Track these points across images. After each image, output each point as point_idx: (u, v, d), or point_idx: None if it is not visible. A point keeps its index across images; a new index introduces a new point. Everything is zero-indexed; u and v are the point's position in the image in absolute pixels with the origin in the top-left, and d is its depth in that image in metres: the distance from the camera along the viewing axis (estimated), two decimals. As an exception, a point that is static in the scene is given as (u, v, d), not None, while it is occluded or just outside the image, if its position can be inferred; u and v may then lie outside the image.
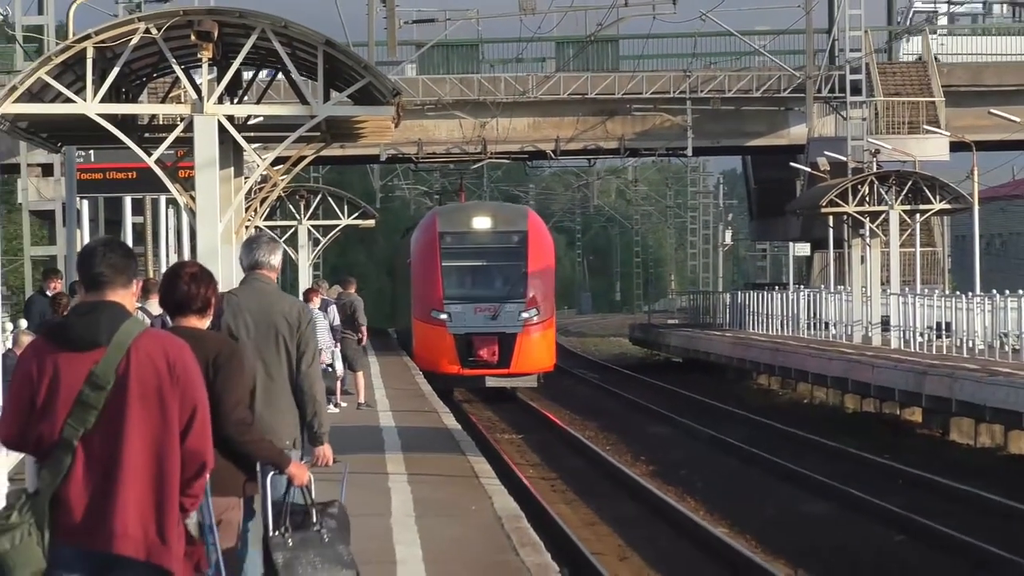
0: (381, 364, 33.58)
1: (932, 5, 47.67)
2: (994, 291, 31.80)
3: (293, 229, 34.02)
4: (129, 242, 25.39)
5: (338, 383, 21.85)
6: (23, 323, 17.84)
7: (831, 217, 37.36)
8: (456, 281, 33.29)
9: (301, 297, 21.76)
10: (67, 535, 4.86)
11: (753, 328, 44.50)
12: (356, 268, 67.30)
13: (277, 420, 7.65)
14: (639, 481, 20.69)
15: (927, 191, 35.27)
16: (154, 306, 13.18)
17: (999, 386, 23.35)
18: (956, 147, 42.19)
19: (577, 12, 44.21)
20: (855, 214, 35.49)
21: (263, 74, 17.67)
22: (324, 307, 21.06)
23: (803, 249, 52.12)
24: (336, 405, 21.55)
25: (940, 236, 45.73)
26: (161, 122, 17.63)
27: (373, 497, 13.35)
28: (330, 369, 20.44)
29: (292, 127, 15.66)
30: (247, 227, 15.70)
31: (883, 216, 35.37)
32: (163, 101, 17.76)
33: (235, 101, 15.64)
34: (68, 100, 14.73)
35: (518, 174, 72.88)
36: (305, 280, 31.27)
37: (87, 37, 14.53)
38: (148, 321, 12.76)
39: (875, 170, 38.64)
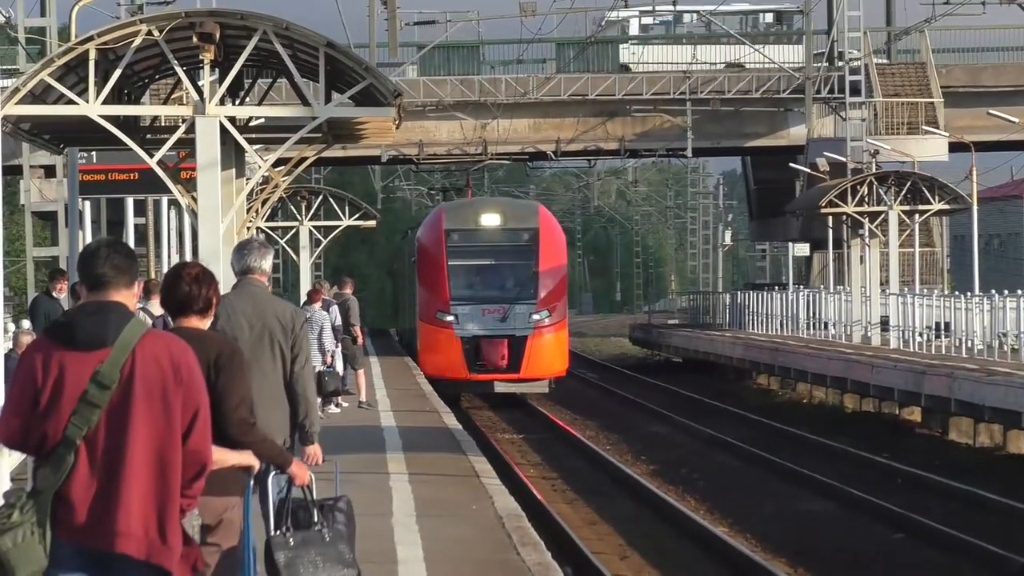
0: (382, 364, 33.57)
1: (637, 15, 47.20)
2: (993, 291, 31.84)
3: (294, 230, 34.03)
4: (131, 243, 25.46)
5: (339, 382, 21.87)
6: (25, 323, 17.90)
7: (830, 217, 37.41)
8: (463, 281, 31.70)
9: (305, 298, 21.84)
10: (69, 533, 4.87)
11: (753, 328, 44.54)
12: (357, 269, 67.38)
13: (271, 420, 7.76)
14: (639, 480, 20.70)
15: (926, 191, 35.32)
16: (156, 307, 13.24)
17: (998, 386, 23.37)
18: (955, 147, 42.23)
19: (577, 13, 44.27)
20: (854, 214, 35.54)
21: (264, 76, 17.75)
22: (326, 307, 21.11)
23: (802, 249, 52.15)
24: (338, 405, 21.58)
25: (939, 236, 45.76)
26: (163, 123, 17.69)
27: (374, 497, 13.37)
28: (332, 369, 20.46)
29: (293, 128, 15.70)
30: (248, 228, 15.76)
31: (882, 216, 35.41)
32: (165, 103, 17.81)
33: (237, 103, 15.69)
34: (70, 102, 14.76)
35: (519, 175, 72.94)
36: (306, 281, 31.28)
37: (89, 39, 14.55)
38: (150, 322, 12.84)
39: (874, 171, 38.68)
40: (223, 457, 5.95)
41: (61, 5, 28.85)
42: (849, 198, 35.27)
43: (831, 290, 41.17)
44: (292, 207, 34.05)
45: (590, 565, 14.35)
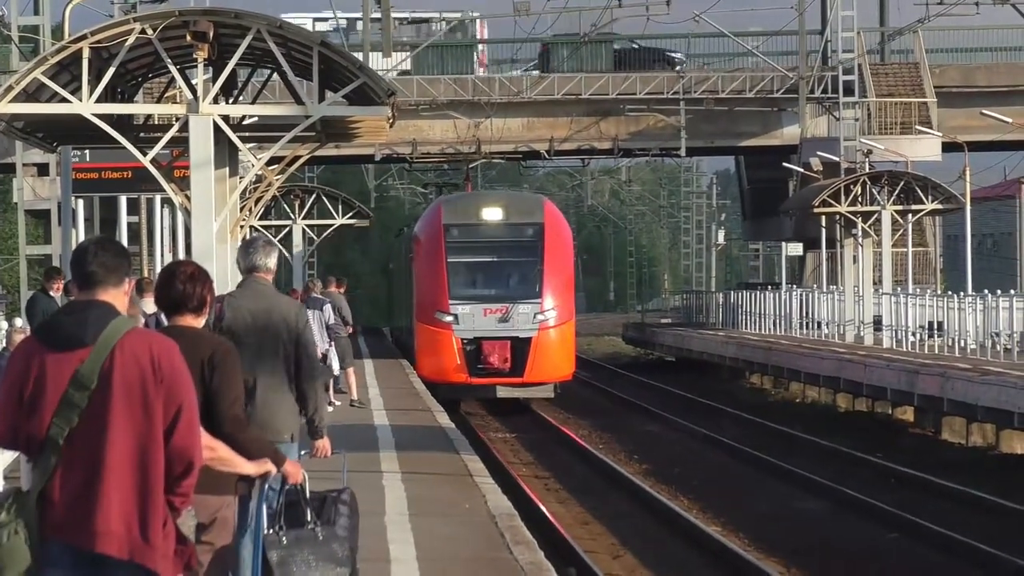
0: (376, 364, 33.51)
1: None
2: (985, 291, 31.89)
3: (288, 228, 34.05)
4: (124, 242, 25.44)
5: (331, 380, 21.90)
6: (17, 322, 17.91)
7: (823, 217, 37.48)
8: (464, 279, 29.79)
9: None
10: (55, 533, 4.88)
11: (746, 328, 44.60)
12: (351, 267, 67.54)
13: (278, 415, 7.97)
14: (632, 479, 20.73)
15: (919, 191, 35.39)
16: (149, 305, 13.24)
17: (991, 385, 23.42)
18: (948, 147, 42.33)
19: (571, 13, 44.28)
20: (847, 214, 35.61)
21: (258, 75, 17.75)
22: (319, 306, 21.12)
23: (796, 249, 52.21)
24: (330, 403, 21.59)
25: (932, 236, 45.84)
26: (156, 122, 17.69)
27: (367, 495, 13.33)
28: (324, 365, 20.47)
29: (287, 127, 15.73)
30: (242, 226, 15.78)
31: (875, 216, 35.48)
32: (159, 101, 17.84)
33: (230, 101, 15.73)
34: (64, 100, 14.82)
35: (513, 174, 72.99)
36: (299, 280, 31.25)
37: (83, 37, 14.60)
38: (143, 320, 12.85)
39: (867, 170, 38.75)
40: (239, 464, 5.97)
41: (55, 3, 28.95)
42: (842, 198, 35.33)
43: (824, 290, 41.24)
44: (285, 206, 34.07)
45: (583, 564, 14.37)
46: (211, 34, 14.39)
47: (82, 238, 23.31)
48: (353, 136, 17.60)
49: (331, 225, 34.77)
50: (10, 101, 14.52)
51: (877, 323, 35.99)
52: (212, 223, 14.74)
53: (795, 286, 45.62)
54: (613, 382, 40.29)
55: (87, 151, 23.11)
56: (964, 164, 38.92)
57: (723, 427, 27.87)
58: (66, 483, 4.87)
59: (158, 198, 28.67)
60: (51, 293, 17.10)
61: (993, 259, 58.15)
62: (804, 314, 40.97)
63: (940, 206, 35.85)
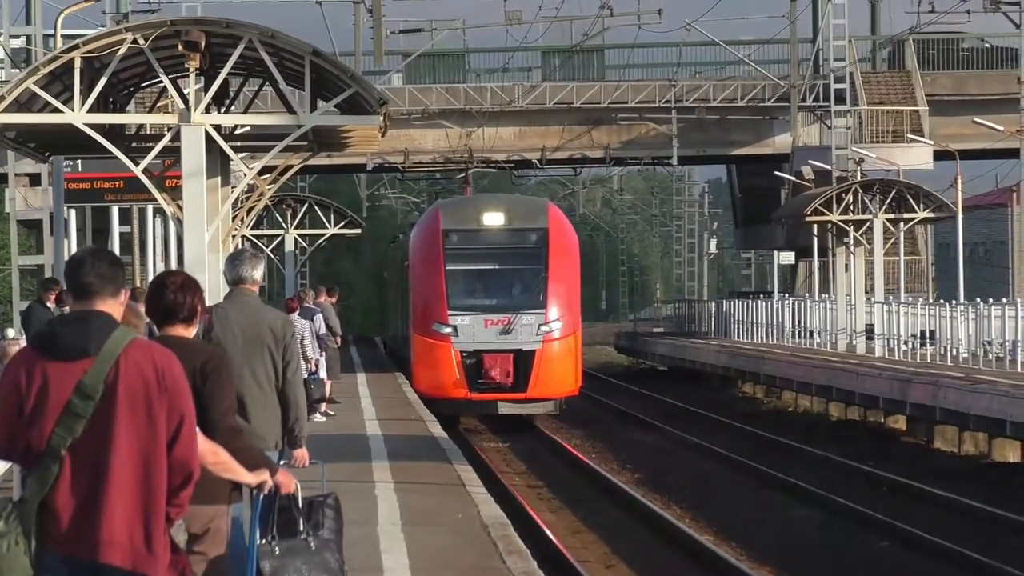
0: (368, 373, 33.45)
1: None
2: (978, 299, 31.95)
3: (280, 238, 34.10)
4: (117, 251, 25.34)
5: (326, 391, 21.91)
6: (10, 332, 17.94)
7: (815, 226, 37.57)
8: (463, 288, 28.05)
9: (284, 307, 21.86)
10: (54, 543, 4.88)
11: (738, 337, 44.66)
12: (343, 277, 67.57)
13: (264, 425, 8.11)
14: (624, 489, 20.74)
15: (911, 200, 35.47)
16: (141, 315, 13.21)
17: (983, 394, 23.47)
18: (940, 156, 42.42)
19: (563, 22, 44.35)
20: (839, 223, 35.68)
21: (250, 84, 17.76)
22: (311, 315, 21.12)
23: (788, 257, 52.32)
24: (324, 413, 21.59)
25: (924, 244, 45.95)
26: (148, 132, 17.72)
27: (360, 505, 13.39)
28: (316, 377, 20.45)
29: (279, 136, 15.75)
30: (234, 236, 15.80)
31: (867, 225, 35.54)
32: (150, 111, 17.87)
33: (222, 111, 15.74)
34: (56, 110, 14.83)
35: (504, 183, 73.09)
36: (291, 289, 31.26)
37: (75, 47, 14.62)
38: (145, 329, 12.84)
39: (859, 179, 38.83)
40: (240, 472, 5.98)
41: (46, 14, 28.89)
42: (834, 206, 35.41)
43: (816, 298, 41.30)
44: (277, 215, 34.12)
45: (576, 573, 14.39)
46: (203, 44, 14.41)
47: (74, 248, 23.36)
48: (345, 145, 17.63)
49: (323, 234, 34.82)
50: (2, 111, 14.54)
51: (869, 332, 36.05)
52: (204, 233, 14.75)
53: (787, 295, 45.71)
54: (605, 391, 40.31)
55: (79, 161, 23.16)
56: (956, 172, 39.01)
57: (715, 436, 27.90)
58: (69, 492, 4.87)
59: (150, 208, 28.72)
60: (47, 304, 17.14)
61: (985, 267, 58.24)
62: (796, 323, 41.03)
63: (932, 214, 35.94)
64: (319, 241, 35.17)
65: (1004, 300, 33.23)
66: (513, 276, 28.34)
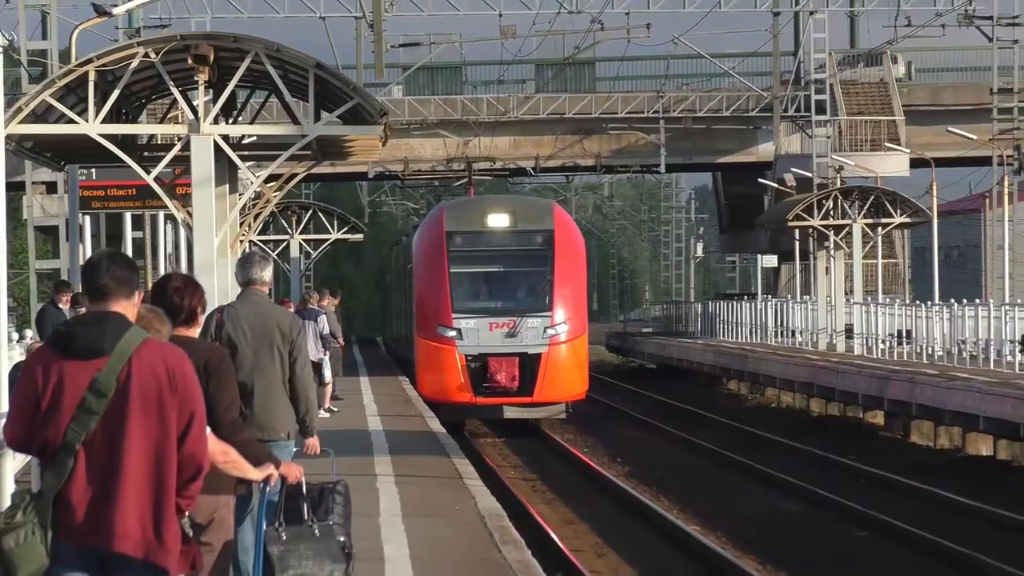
0: (370, 373, 33.58)
1: None
2: (952, 300, 32.38)
3: (285, 243, 34.60)
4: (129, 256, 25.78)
5: (328, 388, 22.37)
6: (28, 333, 18.42)
7: (797, 230, 38.08)
8: (468, 291, 27.04)
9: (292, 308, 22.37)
10: (69, 534, 4.97)
11: (723, 336, 45.13)
12: (345, 280, 68.06)
13: (274, 416, 8.56)
14: (615, 481, 20.81)
15: (888, 205, 35.96)
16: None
17: (957, 390, 23.77)
18: (916, 163, 42.96)
19: (555, 36, 44.95)
20: (820, 227, 36.23)
21: (256, 96, 18.29)
22: (315, 317, 21.59)
23: (771, 261, 52.80)
24: (328, 410, 22.03)
25: (901, 248, 46.38)
26: (159, 141, 18.23)
27: (362, 497, 13.28)
28: (318, 373, 20.82)
29: (284, 146, 16.21)
30: (241, 241, 16.31)
31: (847, 229, 36.03)
32: (161, 121, 18.21)
33: (230, 121, 16.13)
34: (71, 121, 15.24)
35: (500, 190, 73.74)
36: (296, 292, 31.71)
37: (89, 61, 15.09)
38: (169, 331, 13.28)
39: (839, 186, 39.33)
40: (247, 469, 6.10)
41: (62, 29, 29.32)
42: (815, 212, 35.89)
43: (798, 300, 41.76)
44: (283, 221, 34.59)
45: (568, 563, 14.43)
46: (211, 57, 14.79)
47: (89, 253, 23.70)
48: (347, 154, 18.02)
49: (327, 239, 35.30)
50: (20, 122, 14.87)
51: (848, 331, 36.44)
52: (213, 238, 15.15)
53: (770, 296, 46.17)
54: (596, 389, 40.72)
55: (93, 170, 23.46)
56: (931, 179, 39.63)
57: (702, 431, 28.31)
58: (83, 486, 4.97)
59: (161, 214, 28.98)
60: (60, 305, 17.28)
61: (959, 270, 58.75)
62: (779, 323, 41.41)
63: (908, 220, 36.40)
64: (323, 246, 35.63)
65: (977, 301, 33.66)
66: (518, 278, 27.26)
